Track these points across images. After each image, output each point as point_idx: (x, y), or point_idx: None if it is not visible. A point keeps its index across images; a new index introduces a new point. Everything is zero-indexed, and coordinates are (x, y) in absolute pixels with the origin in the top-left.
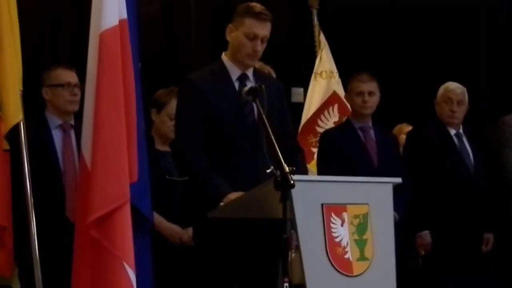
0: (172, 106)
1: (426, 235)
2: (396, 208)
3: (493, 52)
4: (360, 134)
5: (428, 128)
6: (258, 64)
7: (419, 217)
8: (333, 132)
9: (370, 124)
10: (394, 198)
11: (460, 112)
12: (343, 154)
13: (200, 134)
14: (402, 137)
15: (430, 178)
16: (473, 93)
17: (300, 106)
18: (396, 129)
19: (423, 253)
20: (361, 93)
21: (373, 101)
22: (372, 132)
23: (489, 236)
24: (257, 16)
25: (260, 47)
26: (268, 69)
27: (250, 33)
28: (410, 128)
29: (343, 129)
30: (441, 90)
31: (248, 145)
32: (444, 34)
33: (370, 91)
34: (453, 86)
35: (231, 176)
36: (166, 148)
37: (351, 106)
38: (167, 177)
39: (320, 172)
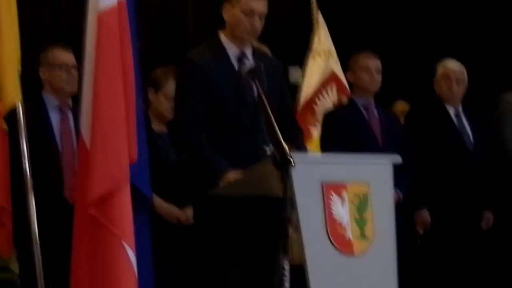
0: (169, 86)
1: (424, 213)
2: (400, 186)
3: (495, 31)
4: (364, 112)
5: (427, 107)
6: (254, 43)
7: (418, 195)
8: (337, 110)
9: (373, 101)
10: (398, 176)
11: (459, 90)
12: (347, 132)
13: (201, 113)
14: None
15: (429, 156)
16: (473, 71)
17: (297, 86)
18: (396, 109)
19: (421, 231)
20: (369, 70)
21: (379, 78)
22: (375, 111)
23: (489, 214)
24: None
25: (258, 23)
26: (264, 48)
27: (247, 9)
28: (408, 106)
29: (347, 107)
30: (440, 68)
31: (248, 124)
32: (444, 13)
33: (378, 68)
34: (452, 64)
35: (231, 155)
36: (162, 128)
37: (355, 83)
38: (164, 158)
39: (325, 150)
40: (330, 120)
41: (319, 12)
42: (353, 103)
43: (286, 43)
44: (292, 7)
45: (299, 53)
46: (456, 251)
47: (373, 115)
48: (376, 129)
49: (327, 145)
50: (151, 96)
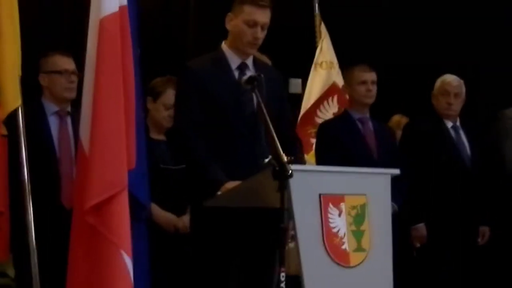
0: (168, 95)
1: (421, 228)
2: (395, 198)
3: (492, 46)
4: (359, 125)
5: (425, 121)
6: (256, 54)
7: (414, 209)
8: (332, 123)
9: (368, 115)
10: (392, 189)
11: (457, 104)
12: (342, 145)
13: (199, 121)
14: (399, 133)
15: (426, 170)
16: (471, 86)
17: (297, 97)
18: (393, 121)
19: (418, 245)
20: (364, 82)
21: (375, 90)
22: (370, 124)
23: (485, 229)
24: (256, 2)
25: (261, 34)
26: (264, 58)
27: (250, 20)
28: (406, 120)
29: (342, 120)
30: (438, 82)
31: (246, 134)
32: (442, 26)
33: (373, 80)
34: (450, 78)
35: (229, 165)
36: (161, 137)
37: (351, 97)
38: (162, 165)
39: (318, 163)
40: (325, 130)
41: (323, 23)
42: (348, 116)
43: (288, 55)
44: (295, 19)
45: (301, 65)
46: (452, 265)
47: (369, 128)
48: (371, 142)
49: (321, 155)
50: (150, 104)
